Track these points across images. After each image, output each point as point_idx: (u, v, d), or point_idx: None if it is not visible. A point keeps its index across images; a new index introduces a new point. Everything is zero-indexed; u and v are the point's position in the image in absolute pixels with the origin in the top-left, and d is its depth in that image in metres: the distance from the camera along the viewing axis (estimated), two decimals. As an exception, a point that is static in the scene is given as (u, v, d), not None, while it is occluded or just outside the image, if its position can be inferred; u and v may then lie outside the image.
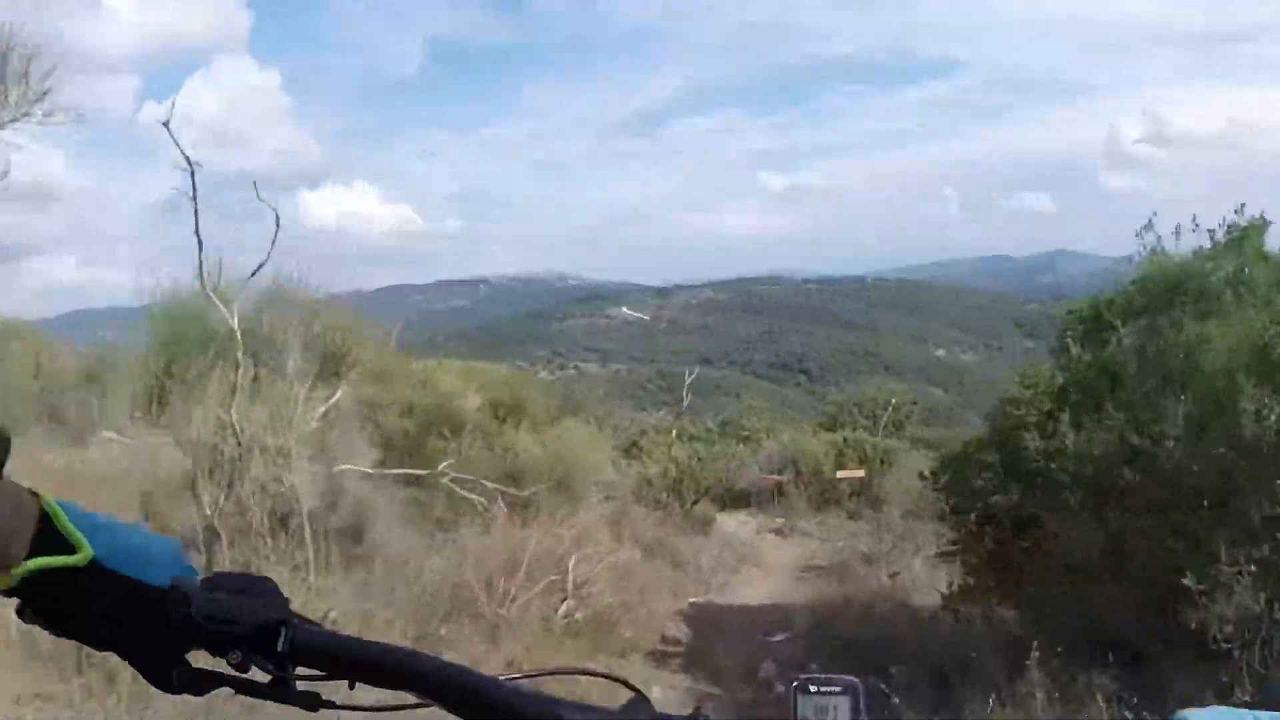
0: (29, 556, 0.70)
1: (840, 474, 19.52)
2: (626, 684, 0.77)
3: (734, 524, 18.67)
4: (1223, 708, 0.74)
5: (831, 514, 19.21)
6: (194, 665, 0.76)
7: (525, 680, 0.75)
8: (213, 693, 0.75)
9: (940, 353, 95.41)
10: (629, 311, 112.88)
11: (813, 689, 0.77)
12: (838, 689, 0.76)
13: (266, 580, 0.77)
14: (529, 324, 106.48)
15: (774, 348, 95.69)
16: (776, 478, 20.15)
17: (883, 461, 19.82)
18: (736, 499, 20.51)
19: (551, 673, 0.88)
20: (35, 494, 0.74)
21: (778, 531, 18.36)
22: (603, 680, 0.87)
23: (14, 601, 0.74)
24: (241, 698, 0.74)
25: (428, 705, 0.72)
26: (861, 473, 19.10)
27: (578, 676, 1.02)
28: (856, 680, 0.77)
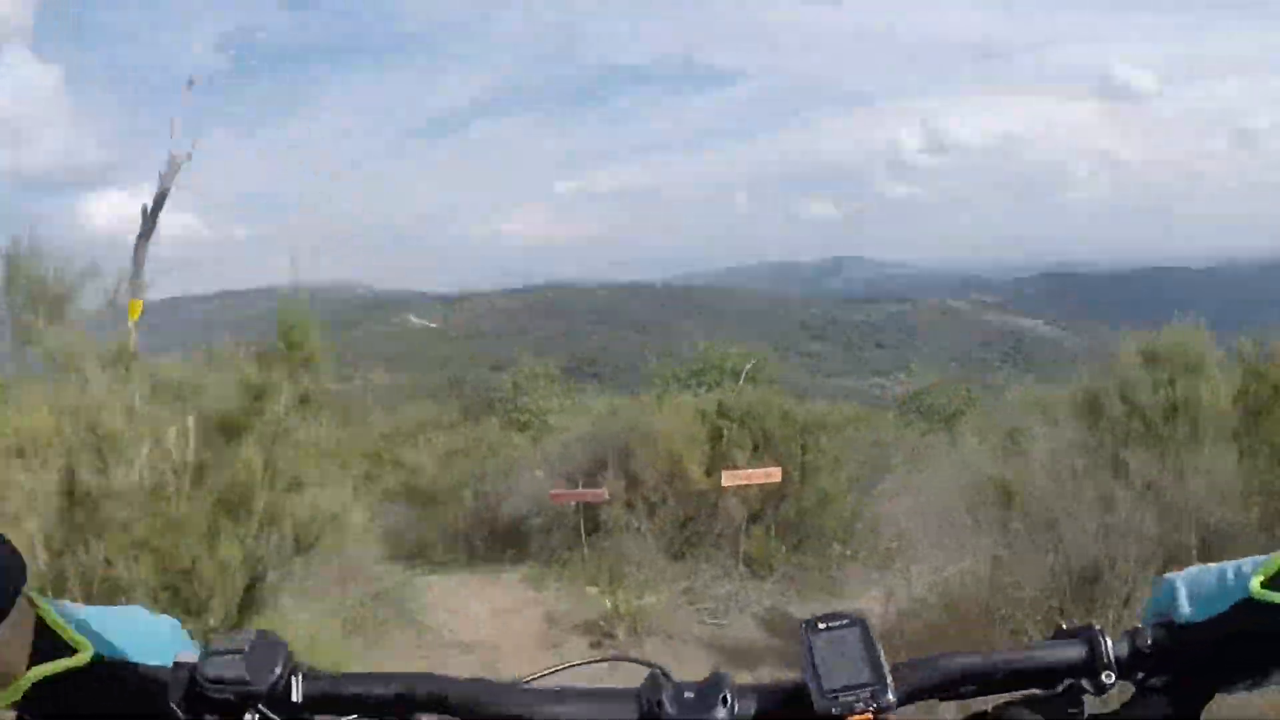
0: (31, 665, 0.68)
1: (732, 478, 8.46)
2: (647, 664, 0.78)
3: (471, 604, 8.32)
4: (1203, 565, 0.77)
5: (720, 568, 8.49)
6: None
7: (545, 678, 0.80)
8: None
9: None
10: (416, 320, 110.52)
11: (822, 626, 0.75)
12: (846, 622, 0.75)
13: (266, 634, 0.76)
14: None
15: (567, 352, 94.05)
16: (594, 491, 8.80)
17: (805, 449, 9.20)
18: (502, 540, 9.91)
19: (569, 666, 0.89)
20: (30, 600, 0.70)
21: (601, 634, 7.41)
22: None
23: None
24: None
25: None
26: (777, 474, 8.59)
27: None
28: (862, 614, 0.76)
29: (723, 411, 9.54)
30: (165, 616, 0.81)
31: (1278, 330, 6.33)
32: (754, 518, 8.85)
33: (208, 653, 0.74)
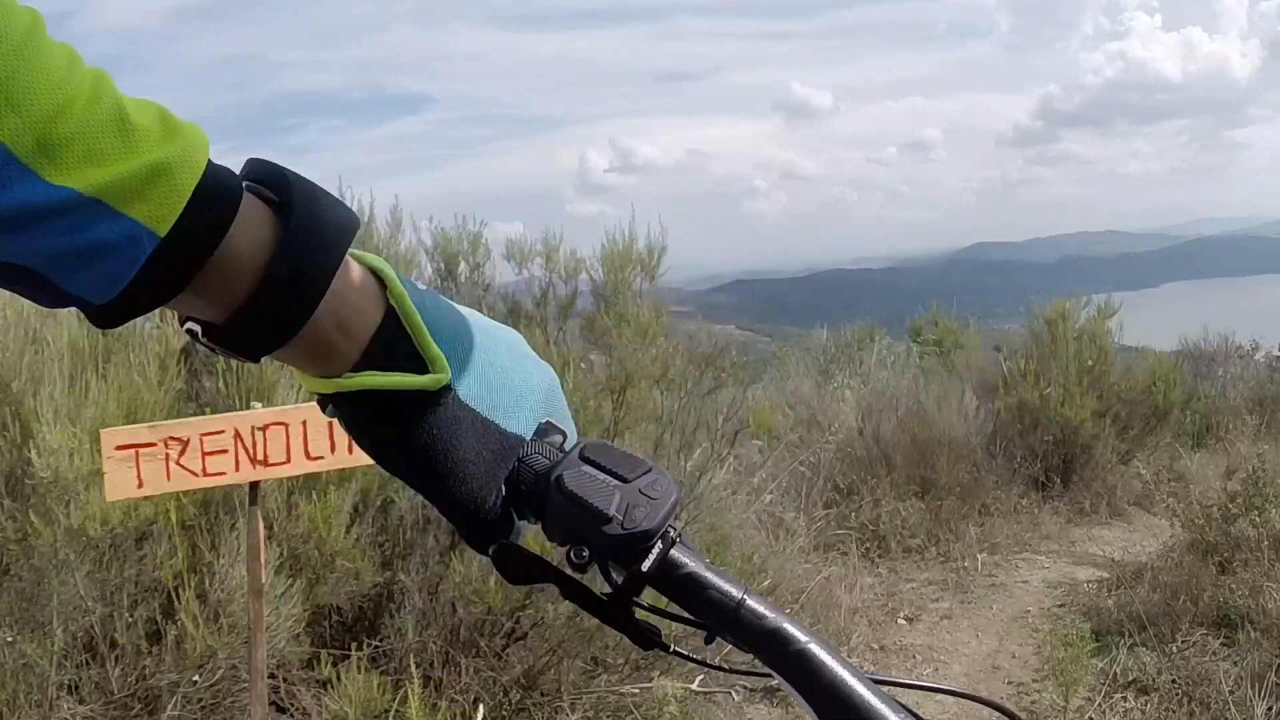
0: (361, 365, 0.53)
1: None
2: (1007, 711, 0.64)
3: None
4: None
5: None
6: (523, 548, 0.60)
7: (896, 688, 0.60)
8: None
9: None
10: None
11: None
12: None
13: (660, 472, 0.59)
14: None
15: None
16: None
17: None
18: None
19: (938, 690, 0.72)
20: (386, 279, 0.54)
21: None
22: None
23: None
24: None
25: (772, 678, 0.57)
26: None
27: None
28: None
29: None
30: (545, 365, 0.63)
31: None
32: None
33: (583, 454, 0.59)
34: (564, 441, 0.61)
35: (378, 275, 0.54)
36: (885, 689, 0.57)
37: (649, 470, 0.59)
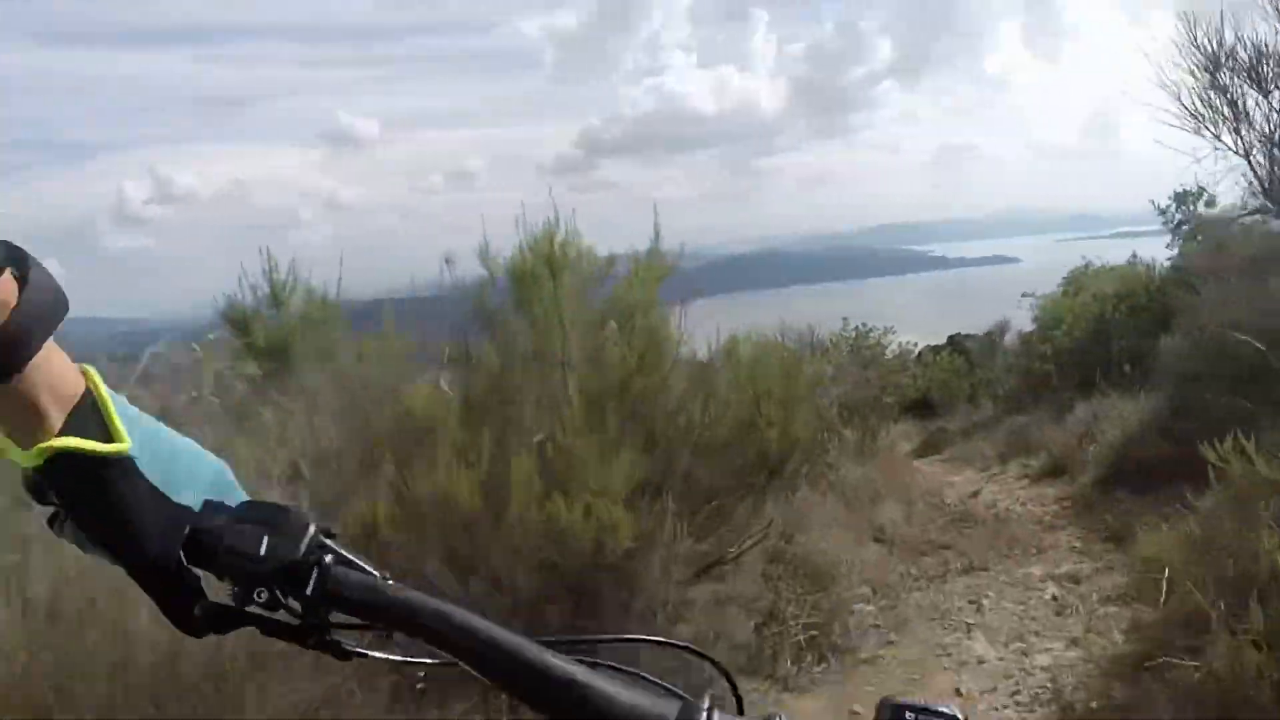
0: (63, 433, 0.64)
1: None
2: (704, 656, 0.75)
3: None
4: None
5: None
6: (218, 601, 0.70)
7: (583, 644, 0.71)
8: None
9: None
10: None
11: (909, 716, 0.62)
12: (936, 716, 0.61)
13: (304, 513, 0.70)
14: None
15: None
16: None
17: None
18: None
19: (617, 640, 0.82)
20: (84, 371, 0.68)
21: None
22: None
23: None
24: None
25: (456, 664, 0.67)
26: None
27: None
28: (956, 711, 0.62)
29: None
30: (216, 458, 0.75)
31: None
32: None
33: (238, 514, 0.70)
34: (229, 512, 0.70)
35: (81, 369, 0.67)
36: (561, 646, 0.66)
37: (288, 511, 0.69)
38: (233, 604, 0.68)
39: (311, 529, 0.69)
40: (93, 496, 0.66)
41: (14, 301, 0.60)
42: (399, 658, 0.75)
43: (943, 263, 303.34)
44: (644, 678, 0.69)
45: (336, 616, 0.69)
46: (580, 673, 0.63)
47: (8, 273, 0.61)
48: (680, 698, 0.64)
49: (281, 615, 0.68)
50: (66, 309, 0.64)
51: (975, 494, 8.58)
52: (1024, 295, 16.29)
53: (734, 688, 0.70)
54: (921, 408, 17.30)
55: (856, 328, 13.92)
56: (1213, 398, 6.45)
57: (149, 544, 0.67)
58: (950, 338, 22.86)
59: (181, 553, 0.68)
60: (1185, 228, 12.28)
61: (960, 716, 0.62)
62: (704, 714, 0.61)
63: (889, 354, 14.29)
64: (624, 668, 0.69)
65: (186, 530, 0.68)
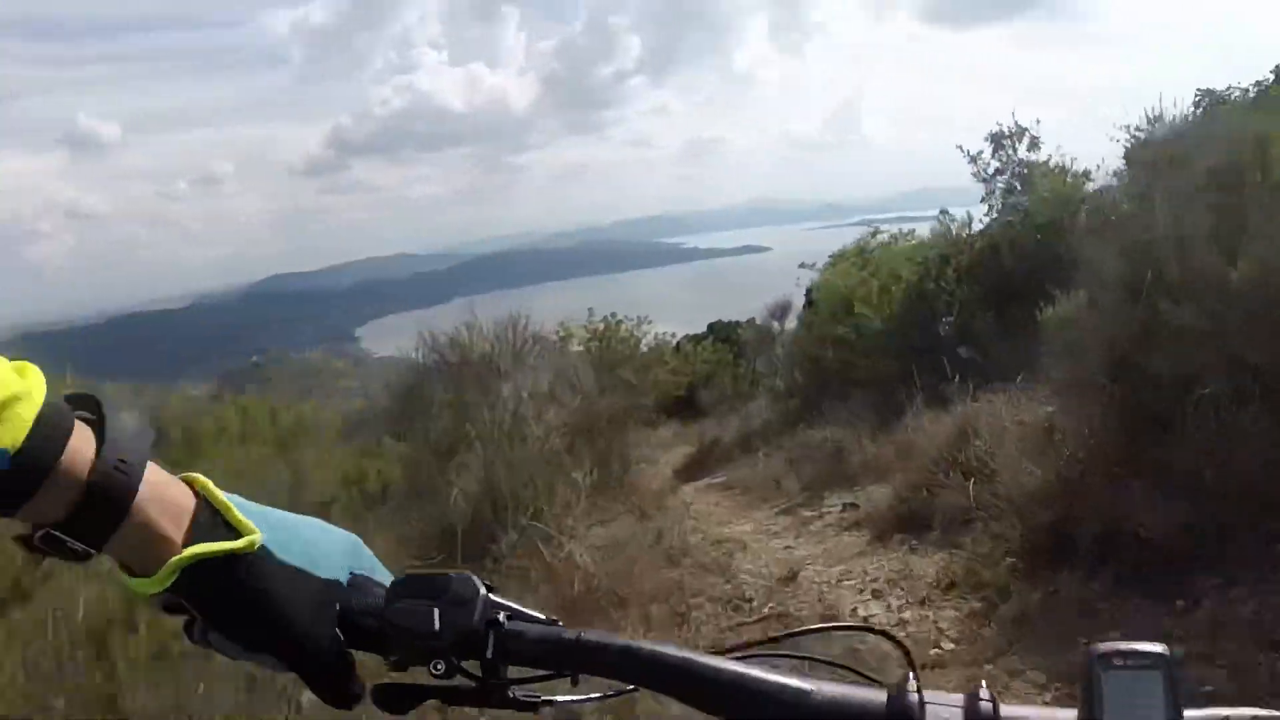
0: (187, 545, 0.63)
1: None
2: (889, 636, 0.74)
3: None
4: None
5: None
6: (386, 680, 0.70)
7: (758, 653, 0.70)
8: None
9: None
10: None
11: (1118, 663, 0.58)
12: (1148, 662, 0.57)
13: (469, 577, 0.70)
14: None
15: None
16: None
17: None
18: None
19: (790, 635, 0.79)
20: (190, 482, 0.67)
21: None
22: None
23: None
24: None
25: (650, 690, 0.66)
26: None
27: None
28: (1164, 649, 0.57)
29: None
30: (345, 531, 0.75)
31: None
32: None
33: (396, 588, 0.70)
34: (377, 586, 0.71)
35: (187, 481, 0.67)
36: (741, 654, 0.68)
37: (450, 578, 0.69)
38: (408, 681, 0.68)
39: (482, 591, 0.69)
40: (236, 596, 0.65)
41: (92, 450, 0.61)
42: (579, 697, 0.74)
43: (696, 253, 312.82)
44: (849, 669, 0.70)
45: (515, 670, 0.69)
46: (765, 685, 0.63)
47: (77, 425, 0.61)
48: (881, 685, 0.63)
49: (458, 680, 0.68)
50: (151, 434, 0.66)
51: (791, 576, 5.15)
52: (802, 266, 13.84)
53: (913, 667, 0.63)
54: (686, 407, 15.56)
55: (605, 319, 10.92)
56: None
57: (303, 627, 0.66)
58: (710, 326, 21.22)
59: (338, 630, 0.68)
60: (1003, 177, 9.69)
61: (1168, 657, 0.57)
62: (913, 696, 0.60)
63: (644, 347, 11.52)
64: (828, 661, 0.75)
65: (337, 607, 0.69)
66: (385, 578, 0.73)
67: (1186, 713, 0.56)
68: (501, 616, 0.68)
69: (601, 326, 10.94)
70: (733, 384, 15.85)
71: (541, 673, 0.70)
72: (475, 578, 0.69)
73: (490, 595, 0.69)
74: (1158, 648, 0.58)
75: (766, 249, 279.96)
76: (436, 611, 0.66)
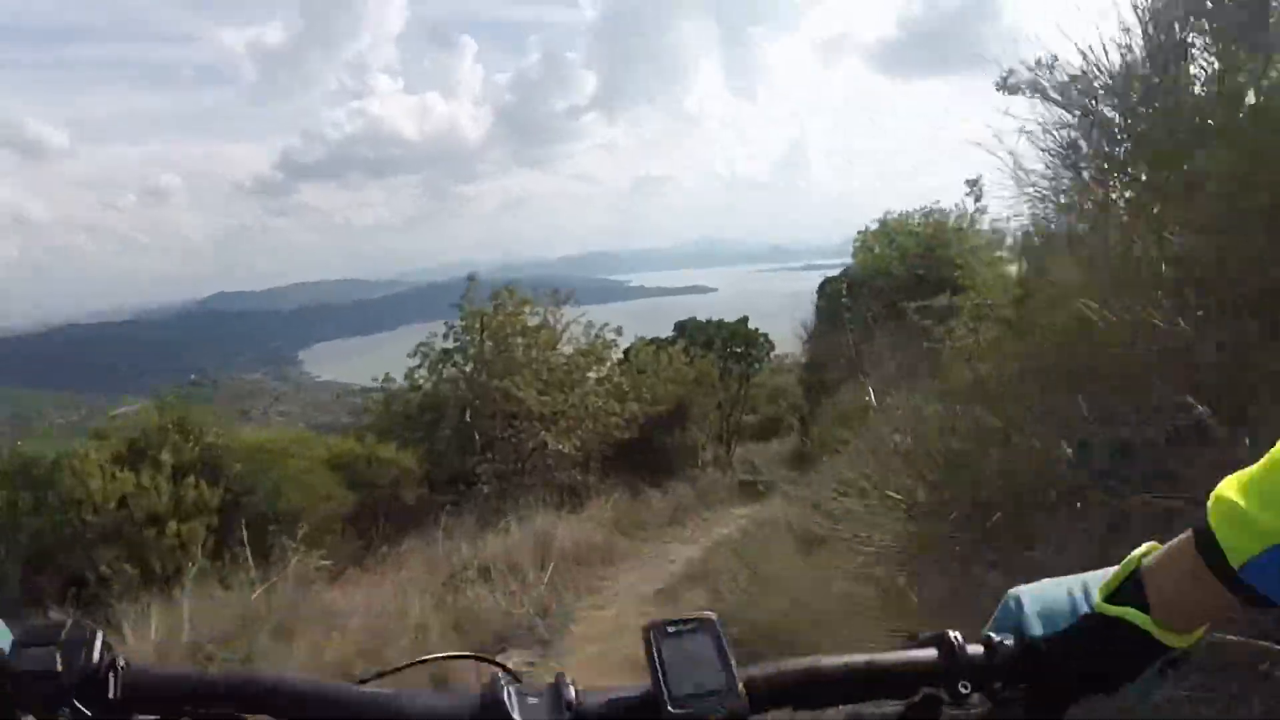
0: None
1: None
2: (491, 661, 0.79)
3: None
4: (1049, 579, 0.76)
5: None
6: None
7: (386, 678, 0.76)
8: None
9: None
10: None
11: (670, 629, 0.69)
12: (694, 625, 0.69)
13: (80, 623, 0.68)
14: None
15: None
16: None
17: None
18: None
19: (416, 663, 0.88)
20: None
21: None
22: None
23: None
24: None
25: None
26: None
27: None
28: (712, 615, 0.71)
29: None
30: None
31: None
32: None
33: (17, 643, 0.67)
34: None
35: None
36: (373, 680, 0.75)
37: (65, 624, 0.67)
38: None
39: (100, 633, 0.67)
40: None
41: None
42: None
43: (641, 291, 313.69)
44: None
45: (145, 718, 0.67)
46: (387, 707, 0.67)
47: None
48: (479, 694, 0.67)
49: None
50: None
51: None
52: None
53: (509, 673, 0.70)
54: (640, 455, 13.58)
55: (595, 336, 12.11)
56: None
57: None
58: (678, 325, 21.10)
59: None
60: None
61: (713, 620, 0.69)
62: (505, 688, 0.66)
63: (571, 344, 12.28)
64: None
65: None
66: (5, 638, 0.69)
67: (750, 670, 0.68)
68: (121, 661, 0.67)
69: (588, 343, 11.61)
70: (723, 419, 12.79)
71: (159, 716, 0.68)
72: (89, 622, 0.69)
73: (108, 640, 0.68)
74: (706, 614, 0.70)
75: (712, 289, 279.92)
76: (58, 654, 0.65)
